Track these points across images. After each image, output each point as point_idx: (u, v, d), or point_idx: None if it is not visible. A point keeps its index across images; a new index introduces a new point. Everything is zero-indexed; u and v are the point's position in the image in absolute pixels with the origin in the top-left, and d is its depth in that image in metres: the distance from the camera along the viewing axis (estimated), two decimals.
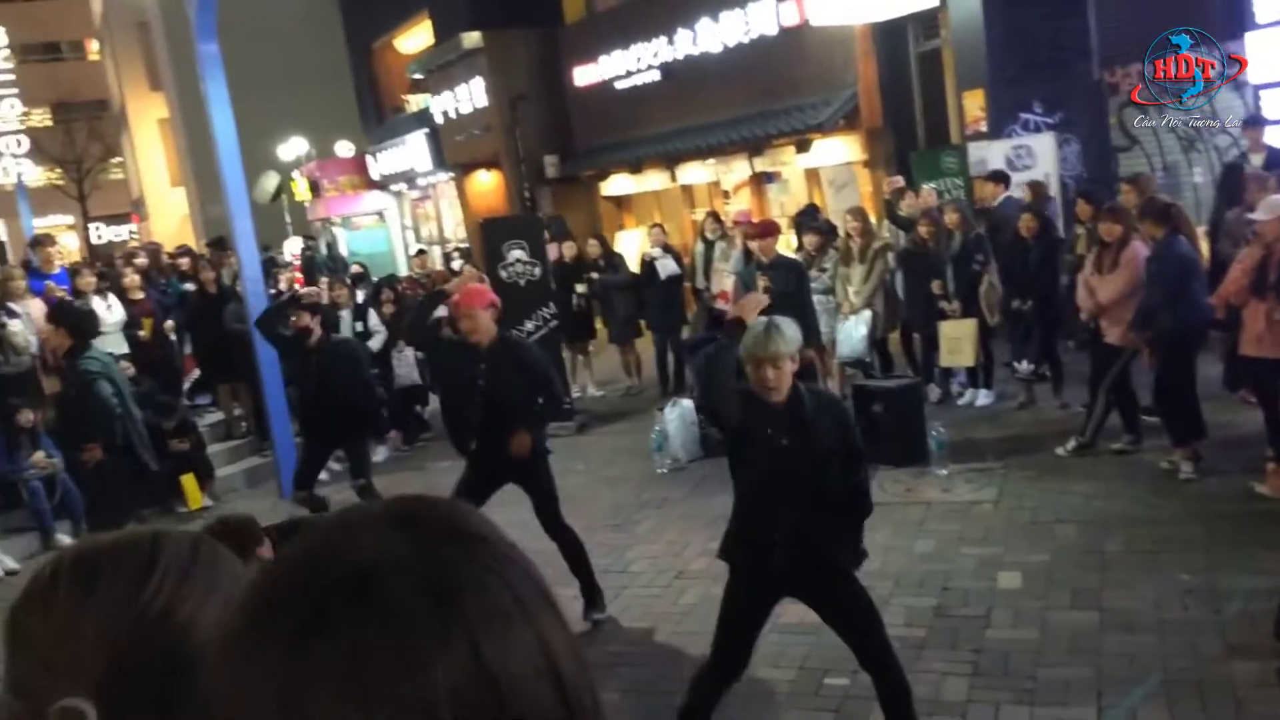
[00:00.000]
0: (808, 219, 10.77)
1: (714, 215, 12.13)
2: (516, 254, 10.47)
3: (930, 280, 8.86)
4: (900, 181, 10.52)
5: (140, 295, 10.22)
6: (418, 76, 20.97)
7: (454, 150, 19.76)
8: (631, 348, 11.64)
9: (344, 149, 24.25)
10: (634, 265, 12.21)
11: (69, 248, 32.78)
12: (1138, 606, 5.02)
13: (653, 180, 16.85)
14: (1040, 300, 8.55)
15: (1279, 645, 4.27)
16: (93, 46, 41.65)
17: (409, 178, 22.40)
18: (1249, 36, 9.63)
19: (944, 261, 8.85)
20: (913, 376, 8.88)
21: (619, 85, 16.65)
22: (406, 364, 10.54)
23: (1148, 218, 6.88)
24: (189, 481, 9.07)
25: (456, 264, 13.13)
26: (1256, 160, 8.78)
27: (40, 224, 26.73)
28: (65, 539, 8.44)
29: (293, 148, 24.01)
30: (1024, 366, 8.74)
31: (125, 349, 9.50)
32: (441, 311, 6.34)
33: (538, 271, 10.57)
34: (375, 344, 10.24)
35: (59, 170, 38.13)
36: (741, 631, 3.92)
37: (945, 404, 9.14)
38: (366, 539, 0.64)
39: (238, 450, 10.39)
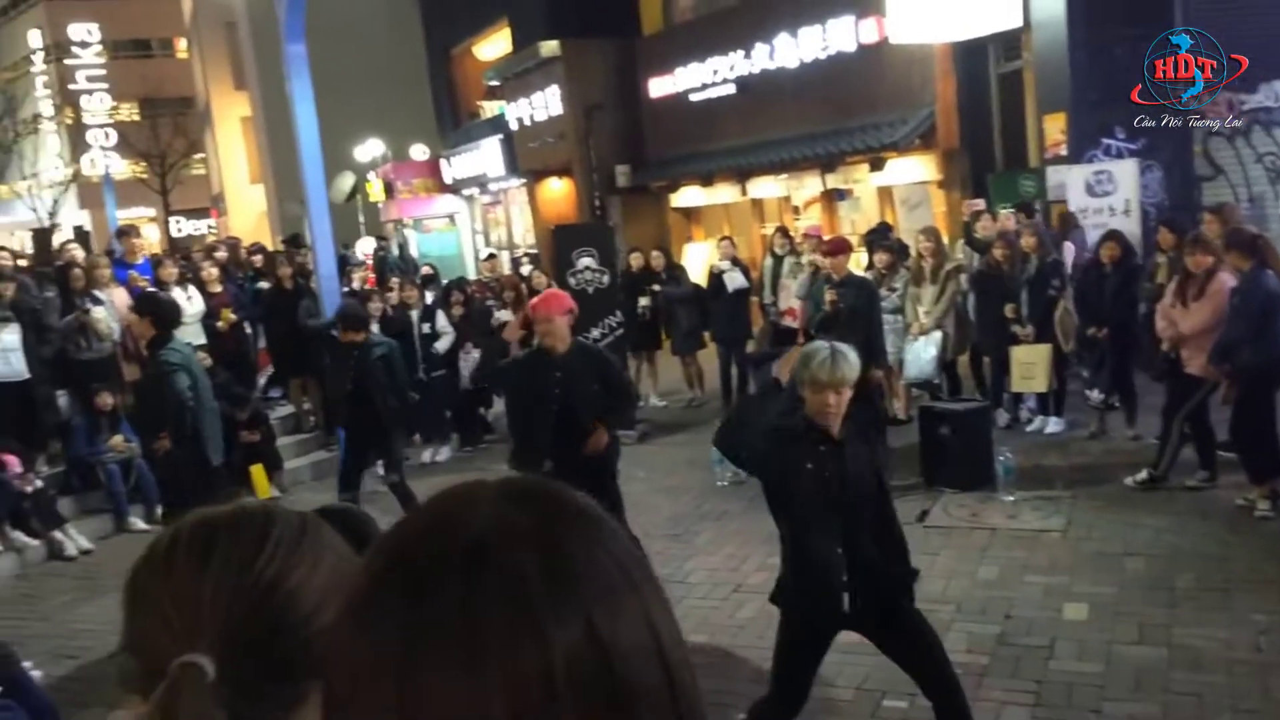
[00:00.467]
0: (879, 237, 10.71)
1: (783, 230, 12.10)
2: (586, 261, 10.56)
3: (1003, 304, 8.75)
4: (981, 204, 10.42)
5: (219, 288, 10.46)
6: (494, 83, 21.21)
7: (527, 157, 19.96)
8: (694, 359, 11.64)
9: (419, 152, 24.59)
10: (700, 277, 12.23)
11: (150, 240, 33.69)
12: (1207, 645, 4.90)
13: (723, 193, 16.85)
14: (1116, 328, 8.41)
15: None
16: (181, 45, 42.80)
17: (481, 182, 22.66)
18: None
19: (1018, 285, 8.74)
20: (981, 400, 8.77)
21: (693, 97, 16.69)
22: (473, 365, 10.66)
23: (1234, 248, 6.74)
24: (258, 472, 9.26)
25: (525, 269, 13.25)
26: None
27: (123, 215, 27.49)
28: (139, 523, 8.69)
29: (369, 149, 24.42)
30: (1095, 395, 8.57)
31: (203, 340, 9.74)
32: (504, 315, 6.40)
33: (606, 280, 10.64)
34: (443, 345, 10.36)
35: (143, 164, 39.29)
36: (804, 668, 3.86)
37: (1013, 429, 9.00)
38: (486, 510, 0.67)
39: (305, 444, 10.60)
